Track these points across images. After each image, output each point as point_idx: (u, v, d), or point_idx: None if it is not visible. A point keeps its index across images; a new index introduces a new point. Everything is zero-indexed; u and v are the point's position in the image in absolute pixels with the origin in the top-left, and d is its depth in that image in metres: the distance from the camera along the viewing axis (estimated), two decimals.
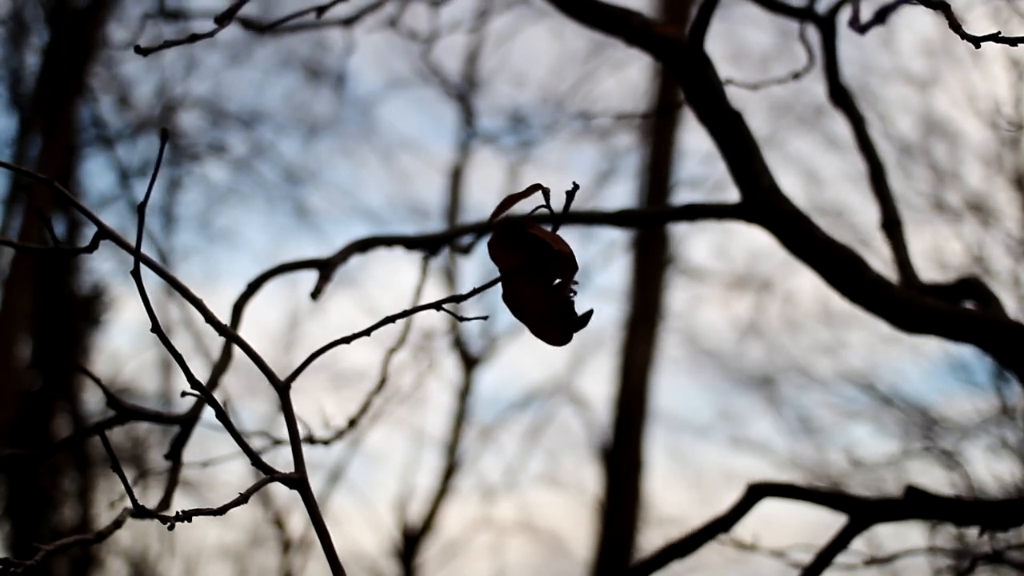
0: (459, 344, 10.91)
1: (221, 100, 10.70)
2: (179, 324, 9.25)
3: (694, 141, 10.14)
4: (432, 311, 1.41)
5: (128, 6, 8.63)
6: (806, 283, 8.68)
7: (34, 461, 2.42)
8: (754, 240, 11.49)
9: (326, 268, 2.54)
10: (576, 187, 1.34)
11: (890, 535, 3.10)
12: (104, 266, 10.19)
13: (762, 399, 9.45)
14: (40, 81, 8.48)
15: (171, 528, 1.27)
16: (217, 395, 2.13)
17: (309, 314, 10.62)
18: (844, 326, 8.31)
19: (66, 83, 8.06)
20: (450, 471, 10.72)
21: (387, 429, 12.21)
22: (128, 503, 1.35)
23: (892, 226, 2.75)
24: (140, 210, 1.31)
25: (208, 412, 2.24)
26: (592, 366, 11.10)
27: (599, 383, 10.51)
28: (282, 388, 1.38)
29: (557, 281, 1.37)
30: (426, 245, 2.79)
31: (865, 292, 2.45)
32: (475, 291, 1.38)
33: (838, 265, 2.45)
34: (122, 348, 10.69)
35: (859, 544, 2.58)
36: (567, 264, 1.36)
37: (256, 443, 2.45)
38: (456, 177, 11.22)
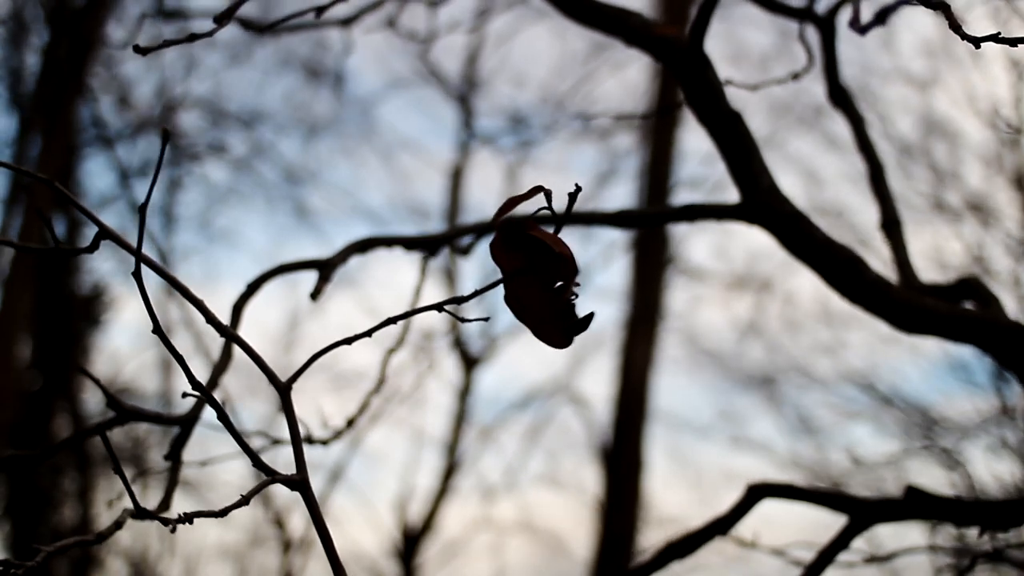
0: (459, 344, 10.92)
1: (221, 100, 10.71)
2: (179, 324, 9.26)
3: (694, 141, 10.16)
4: (433, 312, 1.41)
5: (128, 6, 8.64)
6: (806, 283, 8.68)
7: (34, 461, 2.42)
8: (754, 240, 11.51)
9: (326, 268, 2.54)
10: (578, 189, 1.34)
11: (890, 534, 3.10)
12: (104, 266, 10.20)
13: (762, 399, 9.45)
14: (40, 81, 8.47)
15: (173, 531, 1.28)
16: (217, 395, 2.13)
17: (309, 314, 10.63)
18: (844, 326, 8.31)
19: (66, 83, 8.05)
20: (450, 471, 10.72)
21: (387, 429, 12.22)
22: (128, 503, 1.35)
23: (892, 226, 2.75)
24: (141, 211, 1.31)
25: (208, 412, 2.25)
26: (592, 366, 11.12)
27: (599, 383, 10.52)
28: (283, 389, 1.38)
29: (559, 283, 1.37)
30: (425, 246, 2.79)
31: (865, 292, 2.45)
32: (477, 292, 1.38)
33: (838, 265, 2.45)
34: (122, 348, 10.70)
35: (859, 543, 2.59)
36: (568, 267, 1.36)
37: (255, 443, 2.45)
38: (456, 177, 11.23)
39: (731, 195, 2.54)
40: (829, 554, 2.51)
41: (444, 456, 10.80)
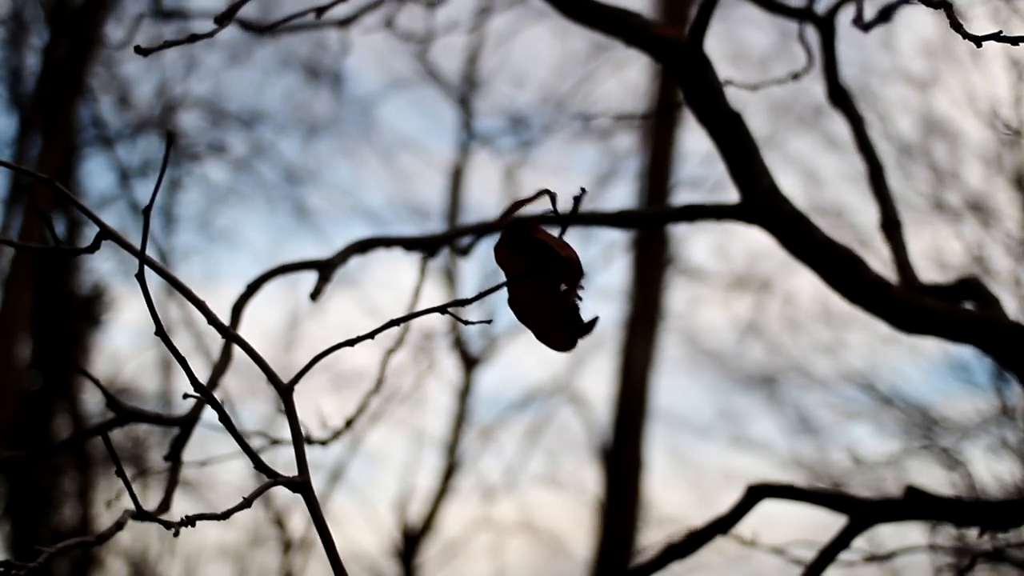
0: (459, 344, 10.92)
1: (221, 100, 10.71)
2: (179, 324, 9.26)
3: (694, 142, 10.15)
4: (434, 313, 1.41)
5: (128, 5, 8.64)
6: (806, 283, 8.67)
7: (34, 462, 2.42)
8: (754, 240, 11.50)
9: (325, 269, 2.54)
10: (583, 192, 1.34)
11: (890, 533, 3.10)
12: (104, 266, 10.20)
13: (762, 399, 9.45)
14: (40, 81, 8.47)
15: (176, 535, 1.27)
16: (217, 396, 2.13)
17: (309, 314, 10.63)
18: (844, 326, 8.32)
19: (66, 83, 8.05)
20: (450, 471, 10.72)
21: (387, 429, 12.22)
22: (129, 504, 1.35)
23: (891, 227, 2.75)
24: (145, 214, 1.31)
25: (208, 413, 2.25)
26: (592, 366, 11.12)
27: (599, 383, 10.52)
28: (285, 391, 1.38)
29: (563, 287, 1.37)
30: (425, 246, 2.79)
31: (865, 293, 2.45)
32: (481, 295, 1.37)
33: (838, 266, 2.45)
34: (122, 348, 10.69)
35: (860, 542, 2.59)
36: (573, 270, 1.35)
37: (255, 443, 2.45)
38: (456, 177, 11.22)
39: (731, 195, 2.54)
40: (829, 554, 2.51)
41: (444, 456, 10.81)
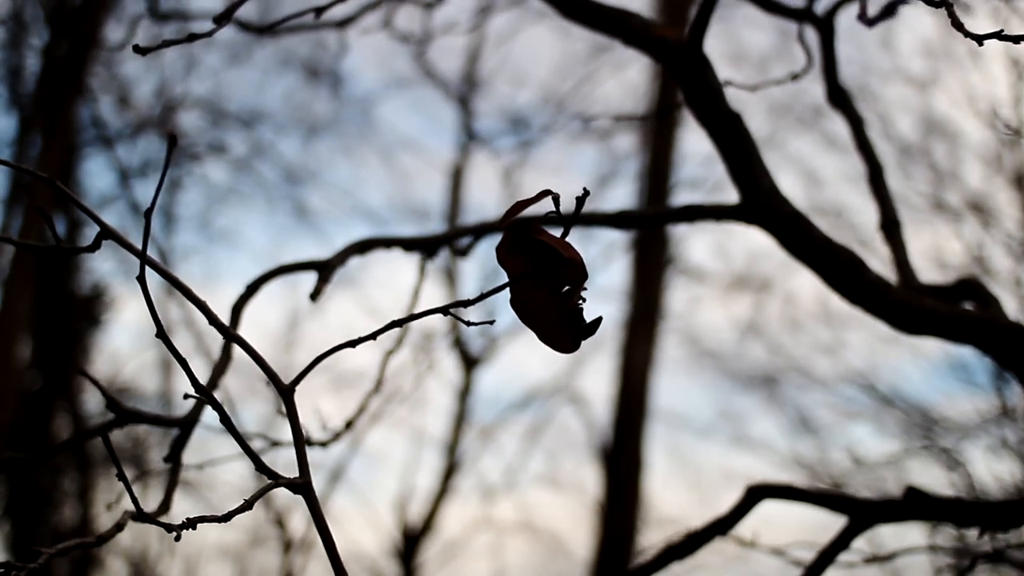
0: (459, 344, 10.91)
1: (221, 100, 10.71)
2: (179, 323, 9.25)
3: (694, 142, 10.15)
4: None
5: (128, 5, 8.64)
6: (806, 283, 8.68)
7: (34, 463, 2.42)
8: (754, 240, 11.49)
9: (325, 270, 2.55)
10: (586, 193, 1.34)
11: (891, 533, 3.10)
12: (104, 266, 10.20)
13: (762, 399, 9.45)
14: (40, 81, 8.47)
15: (177, 539, 1.27)
16: (218, 396, 2.13)
17: (309, 314, 10.63)
18: (844, 326, 8.31)
19: (66, 83, 8.05)
20: (450, 471, 10.72)
21: (387, 429, 12.20)
22: (129, 504, 1.35)
23: (891, 227, 2.75)
24: (147, 215, 1.30)
25: (207, 414, 2.25)
26: (592, 366, 11.11)
27: (599, 383, 10.52)
28: (286, 392, 1.38)
29: (566, 288, 1.37)
30: (424, 247, 2.79)
31: (864, 293, 2.45)
32: (483, 296, 1.37)
33: (837, 266, 2.45)
34: (122, 348, 10.69)
35: (860, 543, 2.59)
36: (576, 271, 1.35)
37: (255, 445, 2.45)
38: (456, 177, 11.22)
39: (731, 196, 2.54)
40: (829, 554, 2.52)
41: (444, 456, 10.81)
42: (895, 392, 7.78)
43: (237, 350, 2.20)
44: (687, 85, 2.41)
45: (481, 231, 2.79)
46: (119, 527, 1.39)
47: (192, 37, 1.80)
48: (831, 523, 2.55)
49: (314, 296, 2.49)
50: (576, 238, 1.38)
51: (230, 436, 1.36)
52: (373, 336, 1.41)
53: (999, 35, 1.44)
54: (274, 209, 13.58)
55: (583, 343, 1.40)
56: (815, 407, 8.65)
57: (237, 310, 2.49)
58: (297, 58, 10.65)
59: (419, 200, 13.59)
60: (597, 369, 11.46)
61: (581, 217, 2.70)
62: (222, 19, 1.82)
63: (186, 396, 1.39)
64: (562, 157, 12.69)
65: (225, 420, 1.35)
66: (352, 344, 1.41)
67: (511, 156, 11.34)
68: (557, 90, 11.24)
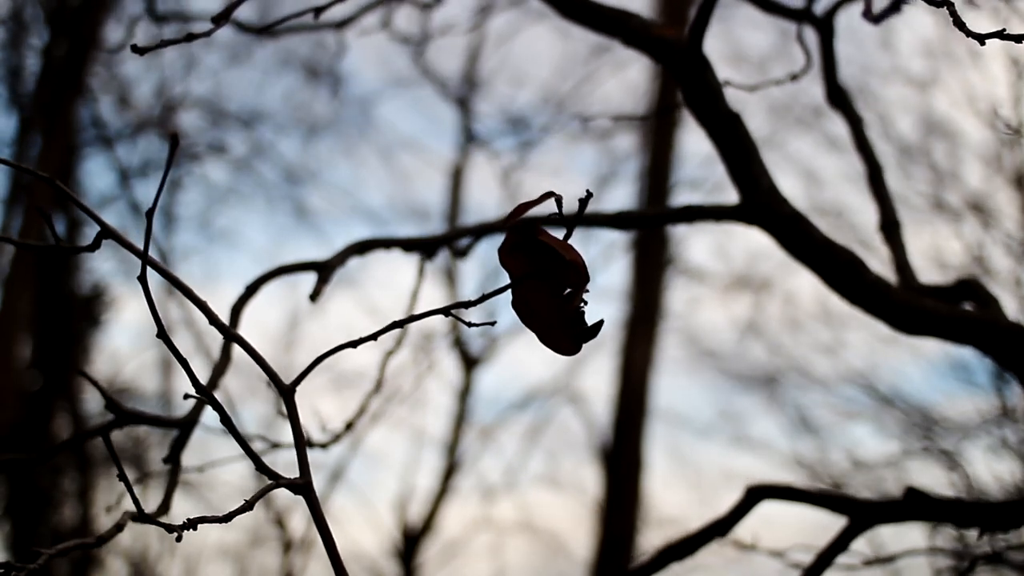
0: (459, 344, 10.91)
1: (221, 100, 10.71)
2: (179, 323, 9.25)
3: (694, 143, 10.15)
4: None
5: (128, 5, 8.64)
6: (806, 283, 8.67)
7: (34, 463, 2.42)
8: (754, 240, 11.49)
9: (324, 270, 2.55)
10: (589, 195, 1.34)
11: (891, 534, 3.10)
12: (104, 266, 10.20)
13: (762, 399, 9.45)
14: (40, 81, 8.47)
15: (178, 539, 1.27)
16: (218, 396, 2.13)
17: (309, 314, 10.63)
18: (844, 326, 8.31)
19: (66, 83, 8.06)
20: (450, 471, 10.72)
21: (387, 429, 12.20)
22: (129, 505, 1.35)
23: (891, 228, 2.75)
24: (148, 216, 1.30)
25: (207, 414, 2.25)
26: (592, 366, 11.10)
27: (599, 383, 10.51)
28: (287, 392, 1.38)
29: (567, 290, 1.37)
30: (423, 247, 2.79)
31: (864, 294, 2.45)
32: (484, 297, 1.37)
33: (837, 267, 2.45)
34: (122, 348, 10.69)
35: (861, 543, 2.59)
36: (578, 273, 1.35)
37: (255, 445, 2.45)
38: (456, 177, 11.22)
39: (730, 196, 2.54)
40: (828, 556, 2.51)
41: (444, 456, 10.81)
42: (895, 392, 7.79)
43: (237, 350, 2.20)
44: (687, 85, 2.41)
45: (481, 232, 2.78)
46: (119, 527, 1.39)
47: (190, 37, 1.80)
48: (831, 524, 2.55)
49: (313, 297, 2.49)
50: (576, 239, 1.37)
51: (230, 436, 1.36)
52: (374, 336, 1.41)
53: (1001, 34, 1.44)
54: (274, 209, 13.60)
55: (583, 345, 1.40)
56: (815, 407, 8.65)
57: (237, 310, 2.49)
58: (297, 58, 10.66)
59: (419, 200, 13.62)
60: (597, 369, 11.45)
61: (582, 217, 2.70)
62: (220, 19, 1.82)
63: (186, 396, 1.39)
64: (562, 157, 12.70)
65: (225, 420, 1.35)
66: (353, 344, 1.41)
67: (511, 156, 11.35)
68: (557, 90, 11.26)
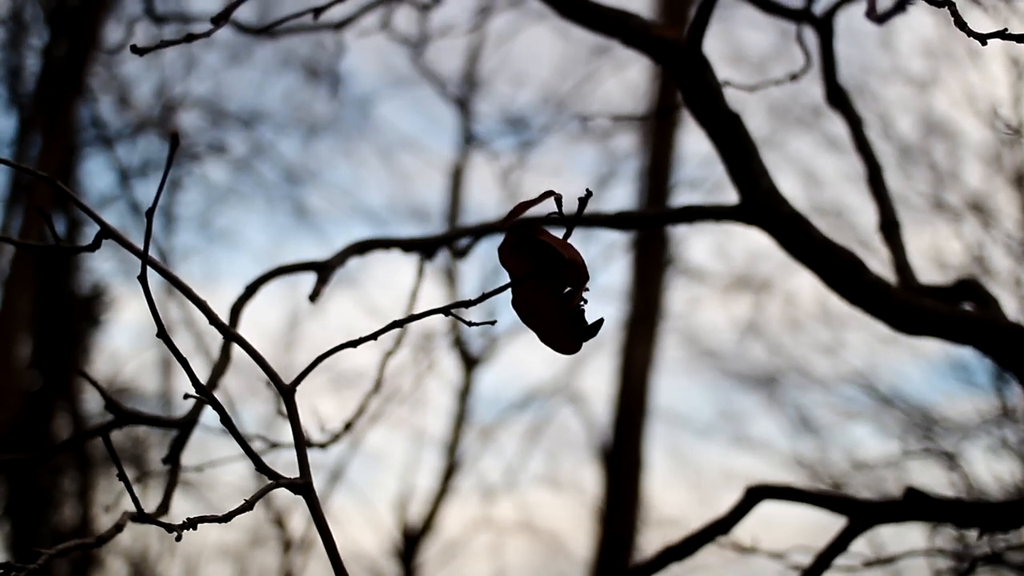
0: (459, 344, 10.91)
1: (221, 100, 10.72)
2: (179, 323, 9.26)
3: (693, 143, 10.15)
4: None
5: (128, 5, 8.64)
6: (806, 283, 8.67)
7: (34, 463, 2.42)
8: (754, 240, 11.49)
9: (324, 270, 2.55)
10: (589, 194, 1.34)
11: (891, 534, 3.10)
12: (104, 266, 10.20)
13: (762, 399, 9.45)
14: (40, 81, 8.48)
15: (178, 539, 1.27)
16: (217, 396, 2.13)
17: (309, 314, 10.63)
18: (844, 326, 8.31)
19: (66, 83, 8.06)
20: (450, 471, 10.72)
21: (387, 429, 12.20)
22: (129, 504, 1.35)
23: (890, 228, 2.75)
24: (148, 216, 1.30)
25: (207, 414, 2.25)
26: (592, 366, 11.11)
27: (599, 383, 10.52)
28: (287, 392, 1.38)
29: (567, 289, 1.37)
30: (423, 248, 2.79)
31: (864, 294, 2.45)
32: (484, 296, 1.37)
33: (837, 267, 2.45)
34: (122, 348, 10.69)
35: (861, 544, 2.59)
36: (578, 272, 1.35)
37: (255, 445, 2.45)
38: (456, 178, 11.22)
39: (730, 196, 2.54)
40: (828, 556, 2.52)
41: (444, 456, 10.81)
42: (895, 392, 7.79)
43: (237, 350, 2.20)
44: (686, 85, 2.41)
45: (480, 232, 2.78)
46: (119, 527, 1.39)
47: (190, 37, 1.80)
48: (831, 524, 2.55)
49: (313, 297, 2.49)
50: (576, 238, 1.38)
51: (230, 436, 1.36)
52: (374, 336, 1.41)
53: (1002, 34, 1.44)
54: (274, 209, 13.61)
55: (584, 344, 1.40)
56: (815, 407, 8.65)
57: (237, 310, 2.49)
58: (297, 58, 10.66)
59: (419, 200, 13.62)
60: (597, 369, 11.46)
61: (582, 218, 2.70)
62: (219, 20, 1.82)
63: (186, 396, 1.39)
64: (562, 157, 12.71)
65: (225, 420, 1.35)
66: (353, 344, 1.41)
67: (511, 156, 11.36)
68: (557, 90, 11.26)
